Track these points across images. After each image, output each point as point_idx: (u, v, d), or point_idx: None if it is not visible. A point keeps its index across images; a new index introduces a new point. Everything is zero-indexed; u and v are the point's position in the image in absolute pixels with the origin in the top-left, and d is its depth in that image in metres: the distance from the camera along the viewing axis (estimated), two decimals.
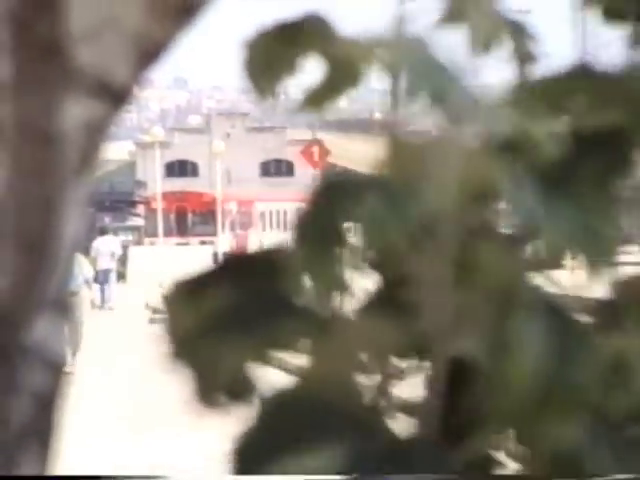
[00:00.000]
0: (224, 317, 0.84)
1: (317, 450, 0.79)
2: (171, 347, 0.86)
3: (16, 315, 0.99)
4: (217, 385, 0.83)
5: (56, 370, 1.03)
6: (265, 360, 0.85)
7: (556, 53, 1.29)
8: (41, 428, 1.03)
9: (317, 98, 0.87)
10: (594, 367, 0.84)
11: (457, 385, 0.86)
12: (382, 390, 0.85)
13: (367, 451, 0.79)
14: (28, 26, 0.99)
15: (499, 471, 0.99)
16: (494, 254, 0.83)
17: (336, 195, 0.84)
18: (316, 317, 0.83)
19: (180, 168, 45.48)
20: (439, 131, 0.85)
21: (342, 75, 0.86)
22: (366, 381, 0.86)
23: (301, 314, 0.83)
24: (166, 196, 40.47)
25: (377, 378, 0.88)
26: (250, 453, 0.82)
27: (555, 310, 0.84)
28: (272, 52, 0.87)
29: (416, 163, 0.81)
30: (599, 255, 0.88)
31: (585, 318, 1.04)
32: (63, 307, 1.05)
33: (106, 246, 30.87)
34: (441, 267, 0.82)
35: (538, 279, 0.89)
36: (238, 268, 0.89)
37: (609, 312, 1.11)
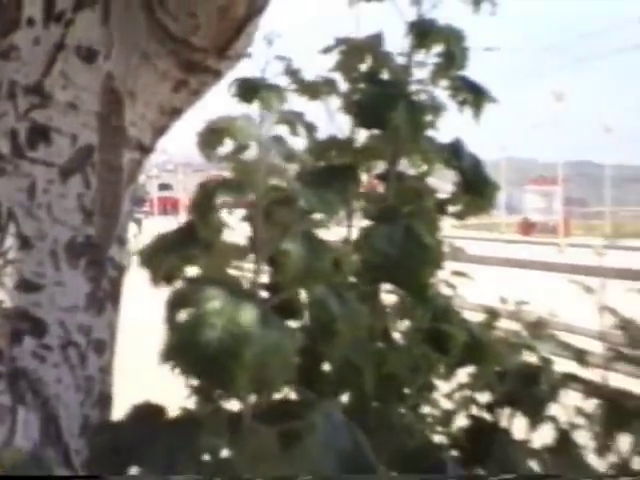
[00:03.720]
0: (166, 244, 0.86)
1: None
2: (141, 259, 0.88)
3: (102, 245, 1.01)
4: (160, 275, 0.84)
5: (121, 269, 1.05)
6: (185, 263, 0.86)
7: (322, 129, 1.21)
8: (113, 294, 1.04)
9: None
10: (328, 258, 0.83)
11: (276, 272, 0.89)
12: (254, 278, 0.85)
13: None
14: (107, 118, 0.99)
15: None
16: (284, 214, 0.82)
17: (208, 190, 0.84)
18: (207, 243, 0.83)
19: (164, 187, 44.88)
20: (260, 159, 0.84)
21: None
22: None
23: (201, 242, 0.83)
24: (158, 199, 40.69)
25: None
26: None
27: (310, 235, 0.83)
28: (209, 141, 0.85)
29: (248, 172, 0.82)
30: (330, 214, 0.85)
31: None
32: (124, 242, 1.06)
33: None
34: (259, 220, 0.82)
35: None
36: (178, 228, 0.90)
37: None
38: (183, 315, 0.78)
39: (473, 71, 1.18)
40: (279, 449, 0.78)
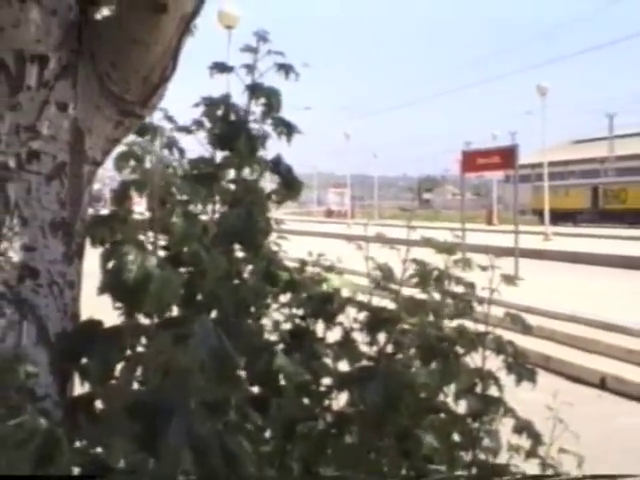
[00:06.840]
0: (99, 221, 1.08)
1: None
2: (86, 230, 1.01)
3: (71, 223, 1.22)
4: (96, 240, 1.03)
5: (83, 237, 1.23)
6: (111, 232, 1.03)
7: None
8: (79, 252, 1.25)
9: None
10: (199, 227, 1.04)
11: None
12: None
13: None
14: (74, 145, 1.23)
15: None
16: (170, 201, 0.98)
17: (123, 186, 1.06)
18: (123, 219, 1.03)
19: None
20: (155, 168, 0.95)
21: None
22: None
23: (120, 219, 1.04)
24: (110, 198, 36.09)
25: None
26: None
27: (187, 212, 1.03)
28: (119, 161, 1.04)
29: (148, 176, 0.97)
30: (198, 199, 1.05)
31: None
32: (85, 221, 1.23)
33: None
34: (156, 205, 0.98)
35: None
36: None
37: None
38: (111, 264, 0.93)
39: (298, 119, 1.47)
40: (172, 347, 0.92)
